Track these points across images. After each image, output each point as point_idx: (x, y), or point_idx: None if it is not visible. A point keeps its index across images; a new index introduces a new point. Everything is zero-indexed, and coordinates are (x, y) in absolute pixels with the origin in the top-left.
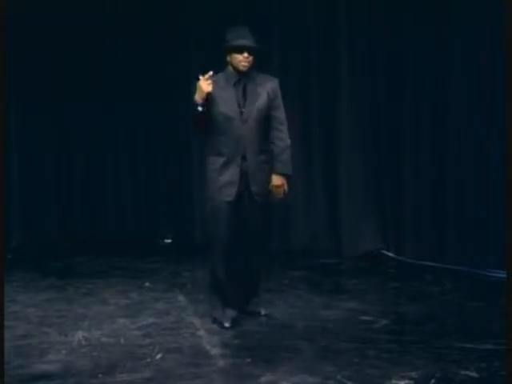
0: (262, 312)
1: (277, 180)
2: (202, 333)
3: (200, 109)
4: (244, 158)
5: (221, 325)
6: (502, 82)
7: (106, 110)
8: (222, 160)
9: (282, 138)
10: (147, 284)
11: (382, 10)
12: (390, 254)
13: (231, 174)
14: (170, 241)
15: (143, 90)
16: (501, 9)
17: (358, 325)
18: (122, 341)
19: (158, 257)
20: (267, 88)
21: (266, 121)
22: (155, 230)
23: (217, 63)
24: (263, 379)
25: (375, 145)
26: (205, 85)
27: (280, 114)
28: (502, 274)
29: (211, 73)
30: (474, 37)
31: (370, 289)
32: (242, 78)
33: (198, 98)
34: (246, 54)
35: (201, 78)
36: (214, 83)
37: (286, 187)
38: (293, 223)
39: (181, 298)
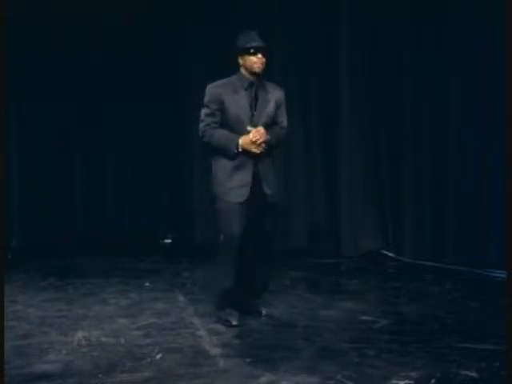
0: (263, 312)
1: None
2: (202, 333)
3: (235, 151)
4: (255, 160)
5: (228, 323)
6: (502, 82)
7: (106, 110)
8: (233, 163)
9: (284, 129)
10: (147, 284)
11: (382, 10)
12: (390, 254)
13: (243, 177)
14: (169, 241)
15: (143, 90)
16: (501, 9)
17: (358, 325)
18: (122, 341)
19: (158, 257)
20: (275, 96)
21: (271, 126)
22: (155, 230)
23: (217, 63)
24: (263, 379)
25: (375, 145)
26: (257, 149)
27: (284, 119)
28: (502, 274)
29: (261, 129)
30: (474, 37)
31: (370, 289)
32: (254, 83)
33: (241, 147)
34: (260, 56)
35: (253, 133)
36: (226, 86)
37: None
38: (293, 223)
39: (181, 298)
